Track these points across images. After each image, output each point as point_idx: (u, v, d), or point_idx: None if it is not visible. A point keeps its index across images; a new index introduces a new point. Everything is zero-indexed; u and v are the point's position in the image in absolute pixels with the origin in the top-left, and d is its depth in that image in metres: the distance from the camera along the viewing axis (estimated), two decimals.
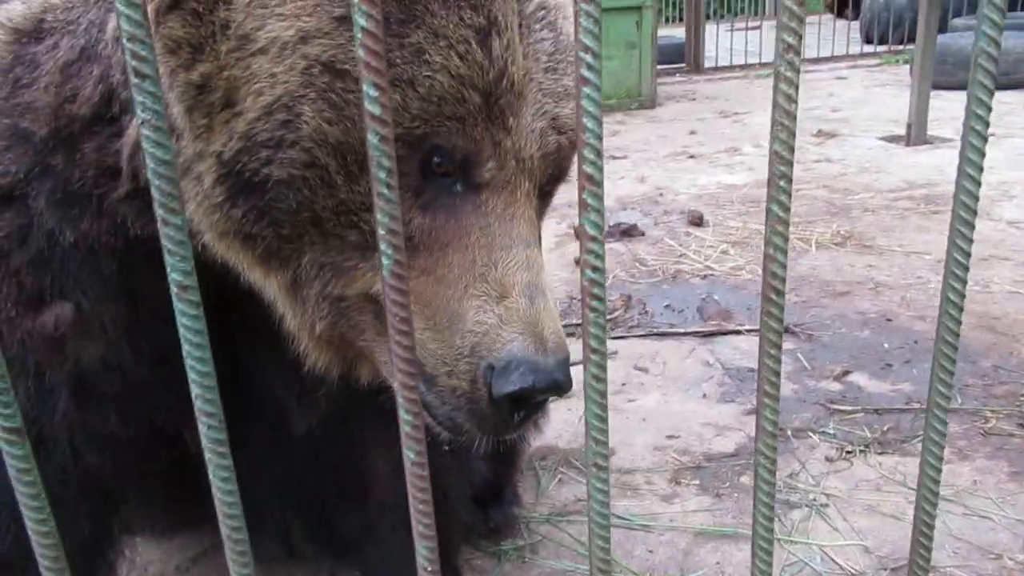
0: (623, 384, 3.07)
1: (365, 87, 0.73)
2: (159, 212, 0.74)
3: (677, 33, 11.94)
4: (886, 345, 3.25)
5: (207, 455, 0.82)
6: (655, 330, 3.53)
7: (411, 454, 0.83)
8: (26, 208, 1.23)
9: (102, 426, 1.36)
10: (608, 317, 3.43)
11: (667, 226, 4.94)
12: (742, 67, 11.05)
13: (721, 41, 11.29)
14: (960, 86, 8.18)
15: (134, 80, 0.71)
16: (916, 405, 2.79)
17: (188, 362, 0.79)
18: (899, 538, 2.13)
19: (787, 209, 0.84)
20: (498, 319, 1.09)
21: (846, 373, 3.04)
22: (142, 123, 0.72)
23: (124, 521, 1.62)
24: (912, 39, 9.08)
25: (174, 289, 0.76)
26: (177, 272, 0.76)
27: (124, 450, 1.41)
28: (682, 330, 3.51)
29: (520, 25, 1.13)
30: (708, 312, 3.65)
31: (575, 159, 1.26)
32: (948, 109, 7.26)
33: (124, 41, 0.70)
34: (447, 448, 1.25)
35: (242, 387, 1.38)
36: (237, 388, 1.32)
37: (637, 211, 5.26)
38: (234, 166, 1.10)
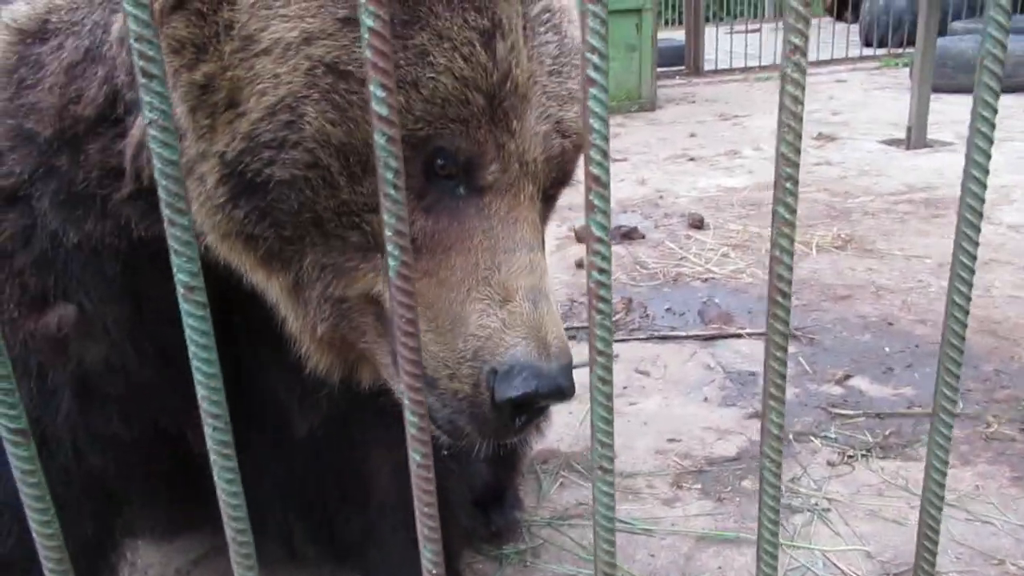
0: (624, 387, 3.07)
1: (372, 88, 0.73)
2: (166, 212, 0.74)
3: (677, 36, 11.97)
4: (887, 349, 3.25)
5: (212, 457, 0.82)
6: (656, 333, 3.53)
7: (417, 456, 0.83)
8: (30, 209, 1.23)
9: (105, 427, 1.36)
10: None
11: (667, 229, 4.94)
12: (741, 70, 11.06)
13: (721, 44, 11.31)
14: (960, 89, 8.20)
15: (141, 80, 0.71)
16: (918, 409, 2.78)
17: (194, 363, 0.79)
18: (901, 543, 2.13)
19: (793, 211, 0.83)
20: (501, 323, 1.09)
21: (847, 377, 3.04)
22: (149, 123, 0.72)
23: (126, 523, 1.62)
24: (911, 42, 9.10)
25: (181, 290, 0.76)
26: (184, 273, 0.76)
27: (127, 451, 1.41)
28: (683, 333, 3.51)
29: (524, 28, 1.13)
30: (709, 315, 3.65)
31: (579, 163, 1.27)
32: (948, 112, 7.27)
33: (131, 41, 0.70)
34: (446, 452, 1.25)
35: (244, 389, 1.38)
36: (240, 390, 1.32)
37: (637, 214, 5.27)
38: (236, 166, 1.10)
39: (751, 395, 2.96)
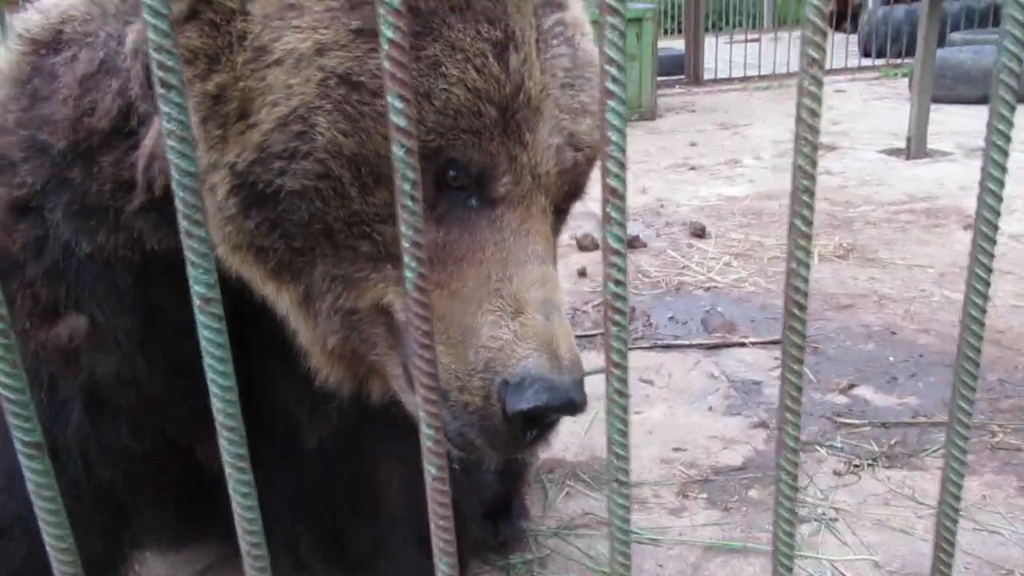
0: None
1: (390, 99, 0.73)
2: (183, 224, 0.74)
3: (676, 45, 12.00)
4: (891, 358, 3.24)
5: (227, 470, 0.81)
6: (659, 342, 3.52)
7: (432, 469, 0.82)
8: (42, 220, 1.23)
9: (115, 439, 1.35)
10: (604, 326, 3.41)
11: (669, 238, 4.94)
12: (741, 79, 11.09)
13: (720, 53, 11.34)
14: (958, 100, 8.22)
15: (160, 90, 0.71)
16: (923, 419, 2.78)
17: (209, 375, 0.79)
18: (908, 553, 2.12)
19: (810, 223, 0.83)
20: (513, 335, 1.08)
21: (852, 386, 3.04)
22: (167, 134, 0.72)
23: (135, 536, 1.61)
24: (909, 53, 9.12)
25: (197, 302, 0.76)
26: (200, 284, 0.75)
27: (136, 463, 1.40)
28: (687, 342, 3.51)
29: (537, 40, 1.13)
30: (712, 324, 3.65)
31: (591, 176, 1.27)
32: (947, 123, 7.29)
33: (151, 51, 0.70)
34: (458, 466, 1.24)
35: (255, 402, 1.38)
36: (251, 403, 1.32)
37: (639, 222, 5.27)
38: (247, 177, 1.10)
39: (756, 404, 2.96)
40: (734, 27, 13.86)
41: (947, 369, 3.10)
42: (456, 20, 1.07)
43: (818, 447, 2.64)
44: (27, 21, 1.26)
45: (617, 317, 0.82)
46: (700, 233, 4.91)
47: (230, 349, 0.76)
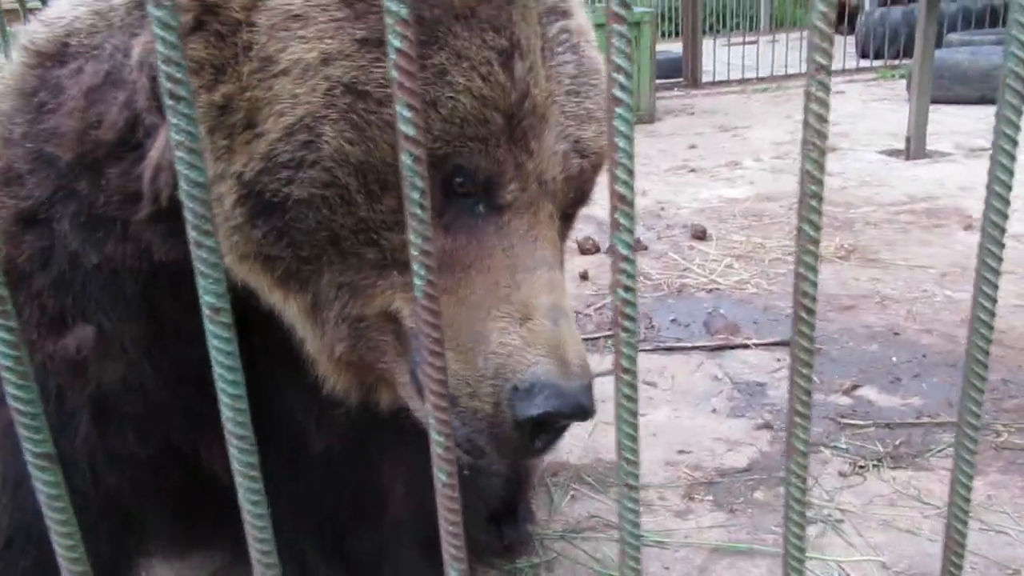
0: None
1: (398, 108, 0.73)
2: (192, 234, 0.74)
3: (674, 48, 12.02)
4: (894, 359, 3.24)
5: (237, 479, 0.81)
6: (662, 344, 3.53)
7: (443, 476, 0.82)
8: (49, 231, 1.23)
9: (121, 446, 1.36)
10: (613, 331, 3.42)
11: (670, 240, 4.95)
12: (739, 82, 11.11)
13: (718, 56, 11.36)
14: (956, 100, 8.23)
15: (168, 102, 0.71)
16: (927, 419, 2.78)
17: (219, 384, 0.79)
18: (915, 553, 2.12)
19: (818, 228, 0.83)
20: (522, 341, 1.09)
21: (855, 387, 3.04)
22: (176, 145, 0.72)
23: (141, 543, 1.61)
24: (907, 54, 9.14)
25: (207, 312, 0.76)
26: (210, 295, 0.75)
27: (142, 469, 1.40)
28: (689, 344, 3.51)
29: (543, 48, 1.14)
30: (715, 326, 3.65)
31: (597, 181, 1.27)
32: (946, 123, 7.30)
33: (159, 63, 0.70)
34: (465, 472, 1.24)
35: (262, 410, 1.38)
36: (258, 411, 1.32)
37: (640, 225, 5.27)
38: (254, 187, 1.10)
39: (759, 406, 2.96)
40: (731, 30, 13.87)
41: (950, 369, 3.10)
42: (461, 29, 1.08)
43: (823, 448, 2.64)
44: (32, 33, 1.26)
45: (627, 323, 0.82)
46: (701, 235, 4.92)
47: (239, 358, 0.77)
